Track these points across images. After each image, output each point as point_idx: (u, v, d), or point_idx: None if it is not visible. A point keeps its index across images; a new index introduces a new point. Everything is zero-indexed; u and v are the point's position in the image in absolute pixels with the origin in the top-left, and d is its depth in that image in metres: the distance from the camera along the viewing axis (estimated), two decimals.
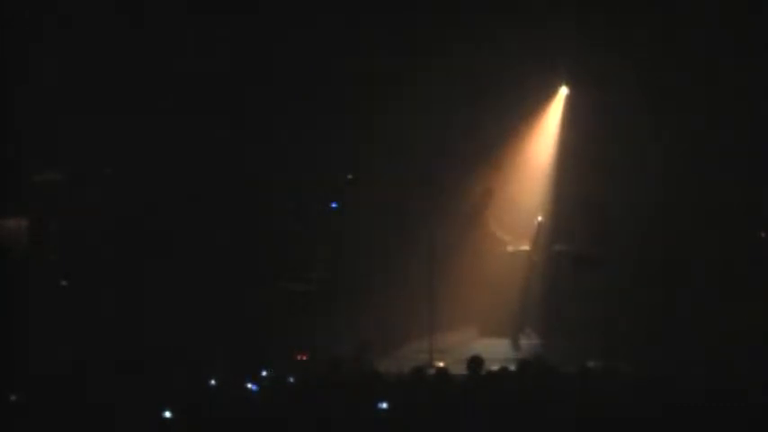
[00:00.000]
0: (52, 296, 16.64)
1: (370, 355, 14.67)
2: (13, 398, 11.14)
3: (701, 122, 17.21)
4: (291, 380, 12.21)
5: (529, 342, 17.37)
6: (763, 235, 17.48)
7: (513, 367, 12.30)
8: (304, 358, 16.43)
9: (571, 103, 18.06)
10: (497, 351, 16.36)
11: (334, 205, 18.28)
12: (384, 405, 10.59)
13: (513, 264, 17.62)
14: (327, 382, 11.46)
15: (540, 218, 17.58)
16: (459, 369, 12.52)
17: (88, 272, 17.00)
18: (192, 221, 17.20)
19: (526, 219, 17.76)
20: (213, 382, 11.99)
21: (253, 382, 11.64)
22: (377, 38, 17.61)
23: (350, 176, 18.29)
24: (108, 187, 17.32)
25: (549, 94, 18.14)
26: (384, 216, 17.81)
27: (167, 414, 10.52)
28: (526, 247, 17.59)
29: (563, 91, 18.12)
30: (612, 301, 16.90)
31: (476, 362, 11.95)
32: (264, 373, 12.42)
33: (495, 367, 12.69)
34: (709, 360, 14.18)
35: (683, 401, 10.47)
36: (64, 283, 17.07)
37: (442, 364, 15.13)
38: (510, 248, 17.73)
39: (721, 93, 17.07)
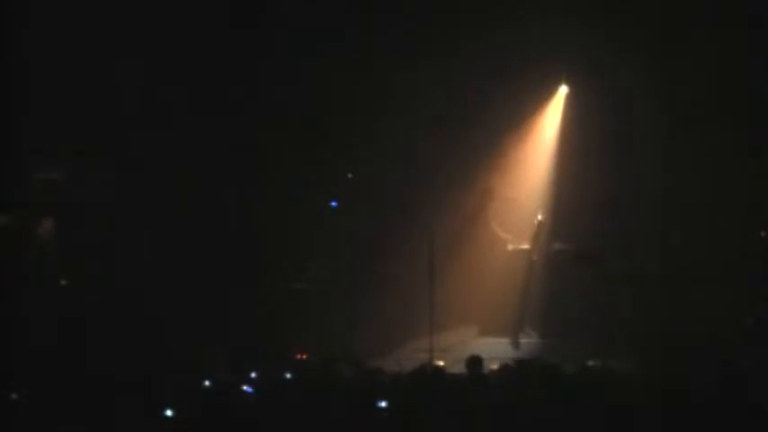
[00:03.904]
0: (52, 296, 16.65)
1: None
2: (13, 397, 11.14)
3: (702, 121, 17.21)
4: (288, 376, 12.23)
5: (529, 342, 17.37)
6: (763, 234, 17.49)
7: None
8: (304, 357, 16.45)
9: (571, 102, 18.05)
10: (497, 350, 16.35)
11: (334, 204, 18.29)
12: (383, 404, 10.59)
13: (513, 263, 17.62)
14: (323, 381, 11.46)
15: (539, 217, 17.58)
16: (459, 368, 12.52)
17: (87, 271, 17.01)
18: (192, 221, 17.19)
19: (526, 218, 17.76)
20: (212, 381, 11.99)
21: (248, 384, 11.65)
22: (377, 37, 17.61)
23: (350, 176, 18.30)
24: (107, 187, 17.31)
25: (548, 93, 18.14)
26: (384, 215, 17.81)
27: (168, 413, 10.52)
28: (526, 246, 17.59)
29: (563, 90, 18.11)
30: (612, 300, 16.90)
31: (474, 361, 11.95)
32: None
33: (495, 366, 12.70)
34: (709, 359, 14.17)
35: (684, 401, 10.47)
36: (64, 282, 17.09)
37: (441, 364, 15.13)
38: (510, 247, 17.74)
39: (722, 91, 17.07)
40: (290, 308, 17.38)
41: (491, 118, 17.61)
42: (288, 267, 17.88)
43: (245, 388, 11.56)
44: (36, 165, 17.13)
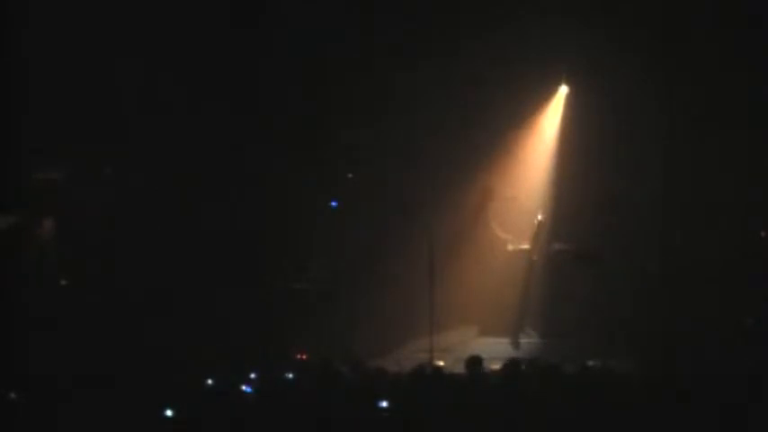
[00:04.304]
0: (52, 296, 16.64)
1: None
2: (13, 397, 11.14)
3: (702, 121, 17.20)
4: (288, 376, 12.23)
5: (529, 341, 17.37)
6: (763, 234, 17.49)
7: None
8: (304, 357, 16.44)
9: (571, 102, 18.05)
10: (497, 350, 16.34)
11: (334, 204, 18.28)
12: (383, 404, 10.59)
13: (513, 263, 17.62)
14: (323, 381, 11.46)
15: (539, 217, 17.58)
16: (459, 368, 12.51)
17: (87, 271, 17.01)
18: (191, 221, 17.19)
19: (526, 218, 17.76)
20: (212, 381, 11.99)
21: (248, 384, 11.64)
22: (377, 37, 17.61)
23: (350, 176, 18.30)
24: (107, 187, 17.31)
25: (548, 93, 18.14)
26: (384, 215, 17.81)
27: (168, 413, 10.52)
28: (526, 246, 17.60)
29: (563, 90, 18.11)
30: (612, 300, 16.90)
31: (474, 361, 11.94)
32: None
33: (496, 366, 12.69)
34: (709, 359, 14.17)
35: (684, 401, 10.46)
36: (64, 282, 17.08)
37: (441, 363, 15.13)
38: (510, 247, 17.74)
39: (722, 91, 17.06)
40: (290, 308, 17.37)
41: (491, 118, 17.61)
42: (288, 267, 17.88)
43: (244, 388, 11.55)
44: (36, 165, 17.13)
